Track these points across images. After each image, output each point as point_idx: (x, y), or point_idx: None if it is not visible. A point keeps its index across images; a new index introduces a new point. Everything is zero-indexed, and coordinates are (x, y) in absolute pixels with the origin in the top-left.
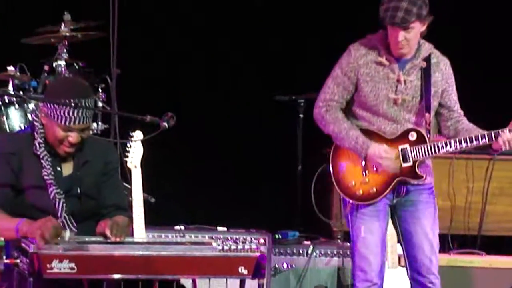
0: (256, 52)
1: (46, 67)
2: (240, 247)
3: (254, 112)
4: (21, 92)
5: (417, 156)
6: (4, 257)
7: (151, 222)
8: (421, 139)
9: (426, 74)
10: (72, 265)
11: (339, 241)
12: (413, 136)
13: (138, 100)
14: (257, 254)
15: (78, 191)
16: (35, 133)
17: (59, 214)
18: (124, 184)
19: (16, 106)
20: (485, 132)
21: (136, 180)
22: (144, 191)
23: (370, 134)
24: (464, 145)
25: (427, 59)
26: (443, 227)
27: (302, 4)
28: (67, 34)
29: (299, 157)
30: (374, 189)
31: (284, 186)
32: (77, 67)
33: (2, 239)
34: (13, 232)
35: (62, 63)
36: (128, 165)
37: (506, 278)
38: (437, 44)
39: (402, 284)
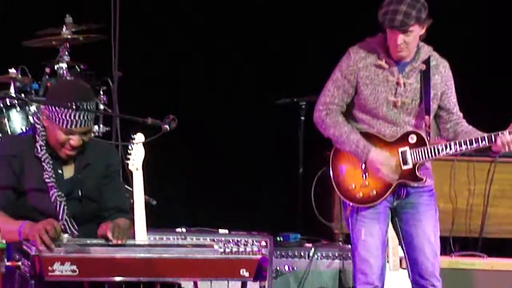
0: (257, 53)
1: (47, 70)
2: (241, 249)
3: (256, 115)
4: (22, 95)
5: (417, 158)
6: (6, 259)
7: (152, 225)
8: (421, 142)
9: (425, 76)
10: (74, 267)
11: (340, 243)
12: (413, 139)
13: (139, 102)
14: (259, 256)
15: (80, 193)
16: (36, 136)
17: (60, 217)
18: (126, 186)
19: (18, 108)
20: (485, 135)
21: (137, 183)
22: (145, 193)
23: (370, 137)
24: (464, 147)
25: (427, 62)
26: (444, 230)
27: (302, 4)
28: (69, 36)
29: (301, 160)
30: (374, 192)
31: (285, 188)
32: (78, 69)
33: (4, 241)
34: (16, 235)
35: (64, 65)
36: (130, 167)
37: (508, 280)
38: (437, 46)
39: (403, 286)
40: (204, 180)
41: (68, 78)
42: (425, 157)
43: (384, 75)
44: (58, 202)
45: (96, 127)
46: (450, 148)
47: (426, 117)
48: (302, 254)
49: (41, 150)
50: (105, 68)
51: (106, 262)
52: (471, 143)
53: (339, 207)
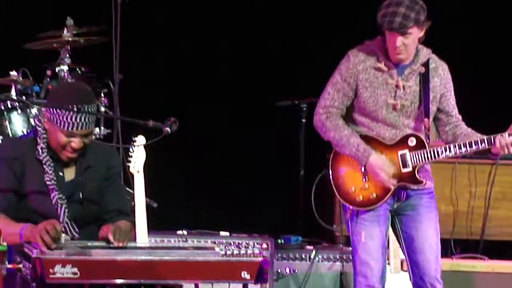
0: (258, 55)
1: (48, 72)
2: (242, 252)
3: (257, 117)
4: (23, 97)
5: (416, 161)
6: (7, 262)
7: (153, 227)
8: (420, 144)
9: (424, 79)
10: (75, 270)
11: (341, 246)
12: (412, 142)
13: (140, 105)
14: (260, 259)
15: (81, 196)
16: (37, 138)
17: (61, 219)
18: (127, 189)
19: (19, 111)
20: (485, 137)
21: (138, 185)
22: (146, 196)
23: (369, 140)
24: (463, 149)
25: (426, 64)
26: (445, 232)
27: (302, 5)
28: (70, 39)
29: (302, 162)
30: (374, 195)
31: (286, 191)
32: (79, 72)
33: (5, 244)
34: (17, 237)
35: (65, 68)
36: (131, 170)
37: (509, 282)
38: (436, 47)
39: None
40: (205, 183)
41: (69, 80)
42: (425, 160)
43: (383, 77)
44: (59, 205)
45: (97, 129)
46: (450, 151)
47: (426, 119)
48: (303, 256)
49: (42, 152)
50: (106, 71)
51: (107, 265)
52: (470, 146)
53: (340, 210)
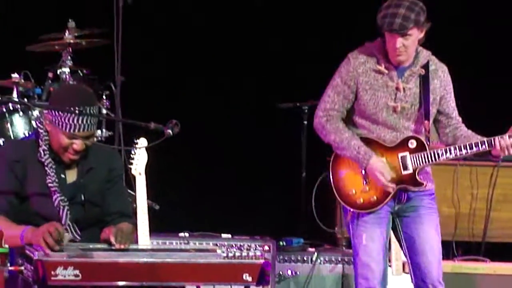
0: (259, 57)
1: (50, 74)
2: (244, 254)
3: (259, 119)
4: (25, 99)
5: (417, 163)
6: (9, 264)
7: (155, 229)
8: (421, 147)
9: (424, 81)
10: (77, 272)
11: (343, 248)
12: (412, 144)
13: (142, 107)
14: (262, 261)
15: (82, 198)
16: (39, 140)
17: (63, 222)
18: (129, 191)
19: (21, 113)
20: (485, 139)
21: (140, 187)
22: (148, 198)
23: (369, 142)
24: (464, 151)
25: (426, 66)
26: (447, 234)
27: (302, 5)
28: (71, 41)
29: (303, 164)
30: (375, 197)
31: (288, 193)
32: (81, 74)
33: (7, 246)
34: (18, 240)
35: (67, 70)
36: (133, 172)
37: (511, 285)
38: (435, 49)
39: None
40: (207, 185)
41: (70, 82)
42: (425, 162)
43: (383, 80)
44: (61, 207)
45: (99, 131)
46: (450, 153)
47: (426, 122)
48: (305, 258)
49: (44, 154)
50: (107, 73)
51: (109, 267)
52: (470, 148)
53: (342, 212)
